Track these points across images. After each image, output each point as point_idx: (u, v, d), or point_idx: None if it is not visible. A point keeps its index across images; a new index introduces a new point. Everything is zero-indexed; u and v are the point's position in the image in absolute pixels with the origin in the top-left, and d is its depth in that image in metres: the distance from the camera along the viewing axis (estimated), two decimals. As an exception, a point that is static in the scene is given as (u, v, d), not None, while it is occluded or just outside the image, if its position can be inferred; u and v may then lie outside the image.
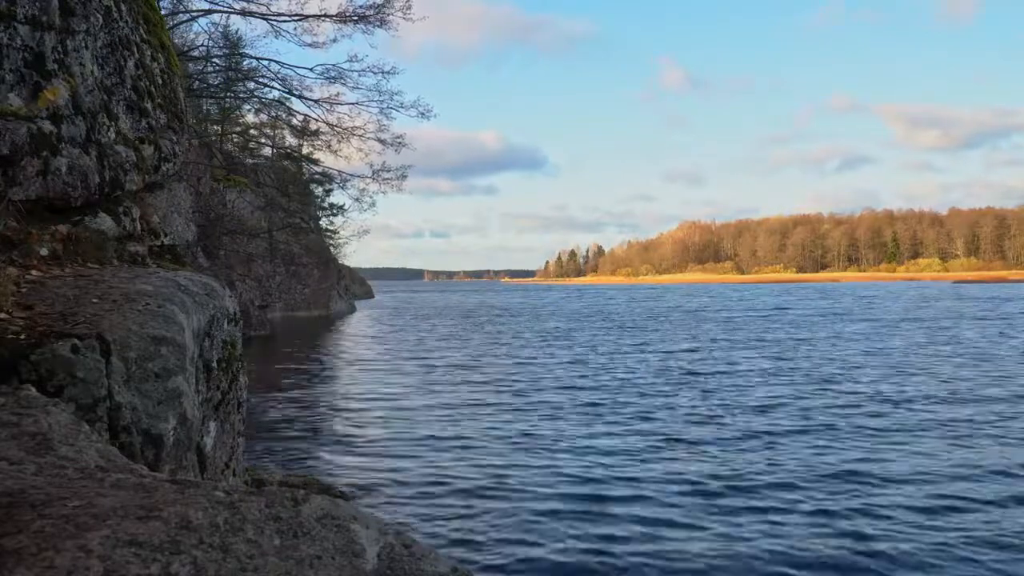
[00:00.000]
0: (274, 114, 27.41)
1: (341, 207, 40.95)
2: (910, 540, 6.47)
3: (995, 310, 41.36)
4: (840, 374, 16.75)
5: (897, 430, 10.79)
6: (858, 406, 12.71)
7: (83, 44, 3.42)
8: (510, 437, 10.87)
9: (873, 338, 25.51)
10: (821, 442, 10.11)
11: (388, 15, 21.00)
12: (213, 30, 23.43)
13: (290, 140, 32.64)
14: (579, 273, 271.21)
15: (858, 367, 17.87)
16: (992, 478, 8.27)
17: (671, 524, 7.01)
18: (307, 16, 20.69)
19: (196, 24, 22.49)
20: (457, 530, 6.96)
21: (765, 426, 11.24)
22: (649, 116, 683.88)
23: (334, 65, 22.05)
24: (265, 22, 20.80)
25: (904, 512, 7.15)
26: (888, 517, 7.03)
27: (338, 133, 23.96)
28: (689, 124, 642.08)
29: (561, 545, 6.50)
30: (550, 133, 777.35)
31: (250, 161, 33.52)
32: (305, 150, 30.61)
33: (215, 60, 23.93)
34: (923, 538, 6.51)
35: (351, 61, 22.29)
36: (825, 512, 7.23)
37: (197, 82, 23.27)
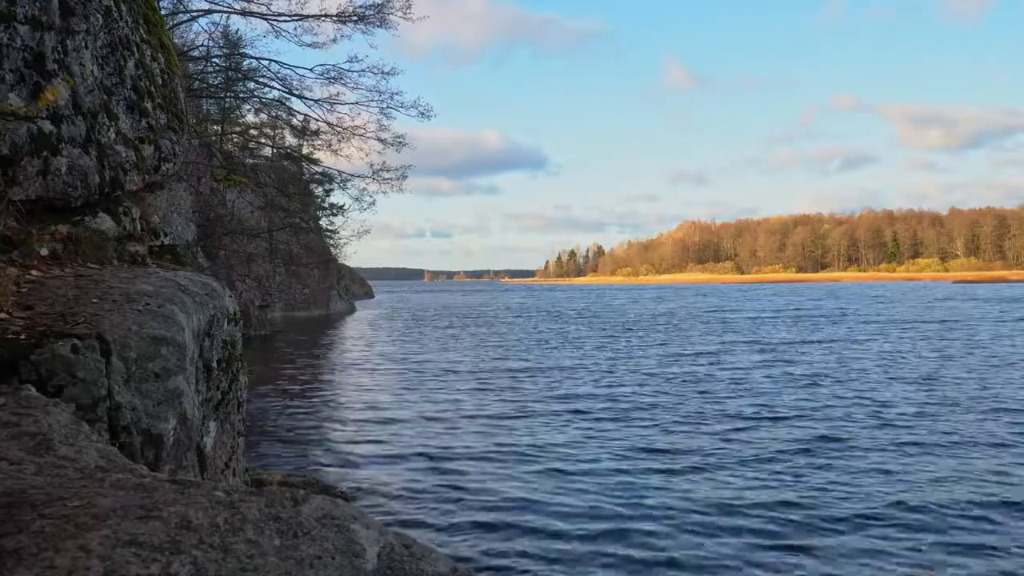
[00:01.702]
0: (274, 114, 27.39)
1: (341, 207, 40.88)
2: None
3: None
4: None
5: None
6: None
7: (83, 44, 3.41)
8: (512, 439, 10.87)
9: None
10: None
11: (388, 15, 21.00)
12: (213, 30, 23.40)
13: (290, 140, 32.65)
14: (579, 273, 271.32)
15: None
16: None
17: (670, 529, 7.01)
18: (307, 16, 20.68)
19: (196, 24, 22.48)
20: (457, 530, 6.96)
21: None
22: (653, 115, 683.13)
23: (334, 65, 22.05)
24: (265, 22, 20.79)
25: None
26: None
27: (338, 133, 23.94)
28: (694, 123, 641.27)
29: (562, 548, 6.50)
30: (553, 133, 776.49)
31: (250, 161, 33.47)
32: (305, 150, 30.60)
33: (215, 60, 23.90)
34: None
35: (351, 62, 22.29)
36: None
37: (197, 82, 23.24)
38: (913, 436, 10.46)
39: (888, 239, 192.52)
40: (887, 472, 8.59)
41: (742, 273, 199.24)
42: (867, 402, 13.15)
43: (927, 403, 13.01)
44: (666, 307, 52.64)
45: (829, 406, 12.83)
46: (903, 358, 19.77)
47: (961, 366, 17.90)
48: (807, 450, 9.70)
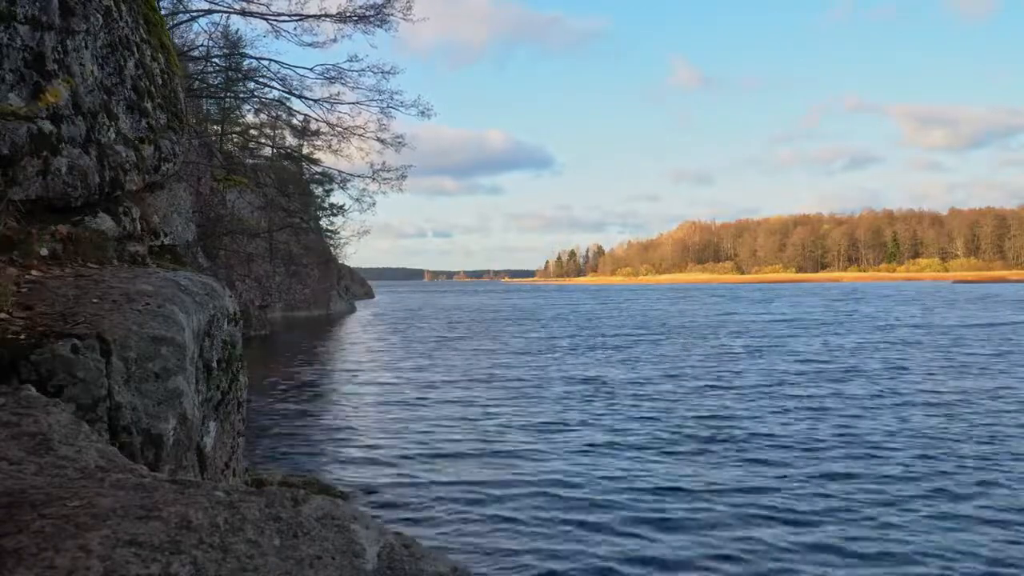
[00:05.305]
0: (274, 114, 27.40)
1: (341, 207, 40.93)
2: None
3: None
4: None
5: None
6: None
7: (83, 44, 3.41)
8: (512, 440, 10.87)
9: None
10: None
11: (388, 15, 21.00)
12: (213, 30, 23.38)
13: (290, 140, 32.67)
14: (579, 273, 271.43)
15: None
16: None
17: (670, 532, 7.02)
18: (307, 16, 20.67)
19: (196, 24, 22.47)
20: (457, 530, 6.95)
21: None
22: (655, 115, 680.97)
23: (334, 65, 22.04)
24: (265, 22, 20.79)
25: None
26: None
27: (338, 133, 23.94)
28: (695, 123, 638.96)
29: (561, 550, 6.50)
30: (557, 132, 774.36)
31: (250, 161, 33.49)
32: (305, 150, 30.63)
33: (215, 60, 23.90)
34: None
35: (351, 61, 22.28)
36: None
37: (197, 82, 23.23)
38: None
39: (888, 239, 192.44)
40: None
41: (742, 273, 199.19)
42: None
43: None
44: (692, 311, 51.40)
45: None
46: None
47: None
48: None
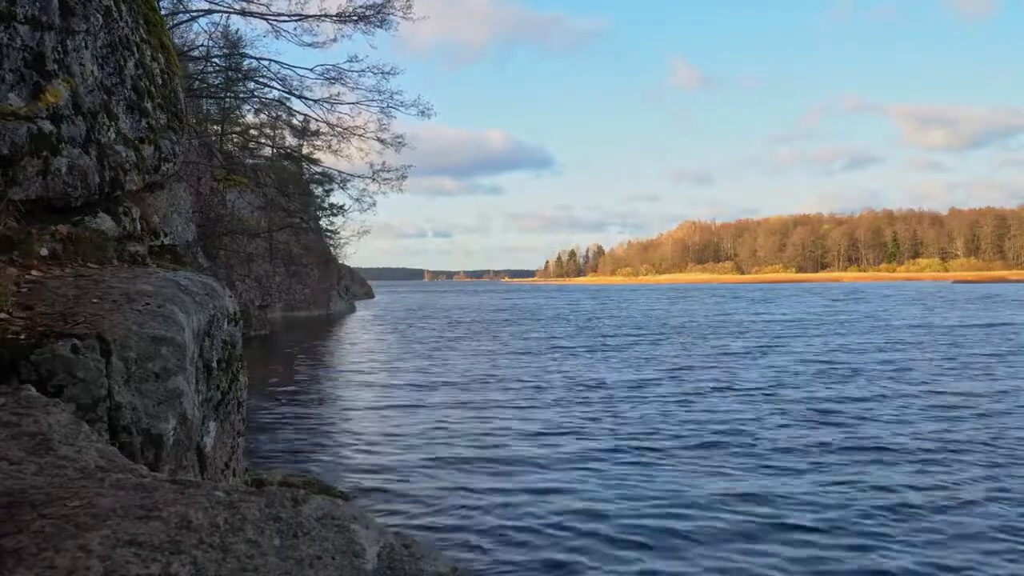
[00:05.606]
0: (274, 114, 27.45)
1: (341, 207, 40.99)
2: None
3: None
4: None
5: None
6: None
7: (83, 44, 3.41)
8: (512, 442, 10.87)
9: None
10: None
11: (388, 15, 21.03)
12: (213, 30, 23.40)
13: (290, 140, 32.71)
14: (579, 273, 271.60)
15: None
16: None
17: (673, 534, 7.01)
18: (307, 16, 20.70)
19: (196, 24, 22.49)
20: (457, 531, 6.95)
21: None
22: (655, 115, 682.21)
23: (334, 65, 22.08)
24: (265, 22, 20.81)
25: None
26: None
27: (338, 133, 23.98)
28: (695, 123, 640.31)
29: (560, 555, 6.49)
30: (557, 132, 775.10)
31: (250, 161, 33.51)
32: (305, 150, 30.68)
33: (215, 60, 23.92)
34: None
35: (351, 62, 22.34)
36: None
37: (197, 82, 23.25)
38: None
39: (888, 239, 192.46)
40: None
41: (742, 273, 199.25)
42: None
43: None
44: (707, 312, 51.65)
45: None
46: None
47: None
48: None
